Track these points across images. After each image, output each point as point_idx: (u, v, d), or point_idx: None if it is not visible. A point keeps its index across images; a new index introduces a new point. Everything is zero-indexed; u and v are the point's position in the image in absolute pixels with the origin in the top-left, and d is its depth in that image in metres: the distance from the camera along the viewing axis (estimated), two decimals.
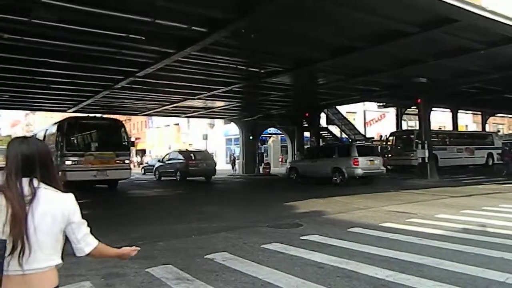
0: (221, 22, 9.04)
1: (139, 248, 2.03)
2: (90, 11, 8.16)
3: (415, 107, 21.12)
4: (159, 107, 23.76)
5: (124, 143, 16.76)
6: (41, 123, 52.99)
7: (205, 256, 5.41)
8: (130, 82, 15.38)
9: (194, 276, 4.57)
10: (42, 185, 1.74)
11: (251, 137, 28.38)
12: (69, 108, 22.79)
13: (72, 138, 15.89)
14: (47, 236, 1.69)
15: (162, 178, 22.64)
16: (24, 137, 1.89)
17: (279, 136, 34.69)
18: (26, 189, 1.69)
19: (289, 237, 6.58)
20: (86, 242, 1.81)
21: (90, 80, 15.55)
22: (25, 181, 1.71)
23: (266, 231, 7.19)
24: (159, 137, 47.08)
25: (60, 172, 13.33)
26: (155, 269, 4.82)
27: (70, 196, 1.81)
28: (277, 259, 5.29)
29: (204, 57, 12.10)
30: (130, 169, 16.79)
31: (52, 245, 1.72)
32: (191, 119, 34.98)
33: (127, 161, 16.25)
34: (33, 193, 1.68)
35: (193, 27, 9.43)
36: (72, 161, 14.71)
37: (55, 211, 1.71)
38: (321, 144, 25.10)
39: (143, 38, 9.99)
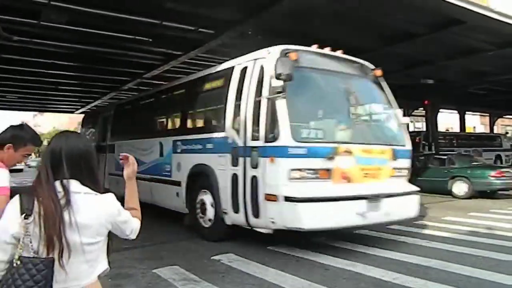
0: (229, 24, 9.08)
1: (126, 155, 1.99)
2: (97, 13, 8.24)
3: (422, 108, 21.00)
4: None
5: (397, 125, 6.71)
6: (49, 124, 53.40)
7: (212, 258, 5.43)
8: (137, 84, 15.48)
9: (200, 277, 4.59)
10: (83, 189, 1.62)
11: None
12: (77, 109, 22.97)
13: (298, 105, 5.83)
14: (91, 247, 1.60)
15: None
16: (61, 132, 1.79)
17: None
18: (60, 193, 1.56)
19: (295, 238, 6.58)
20: (134, 232, 1.82)
21: (97, 82, 15.66)
22: (58, 183, 1.58)
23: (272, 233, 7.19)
24: None
25: (266, 205, 5.38)
26: (162, 270, 4.85)
27: (111, 198, 1.70)
28: (283, 260, 5.29)
29: (211, 59, 12.13)
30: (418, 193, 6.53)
31: (96, 255, 1.65)
32: None
33: (405, 172, 6.45)
34: (68, 198, 1.56)
35: (200, 29, 9.48)
36: (302, 172, 5.33)
37: (99, 219, 1.62)
38: None
39: (150, 40, 10.06)
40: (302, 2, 8.09)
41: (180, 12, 8.42)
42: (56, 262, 1.50)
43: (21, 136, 2.36)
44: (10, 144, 2.32)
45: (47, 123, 55.40)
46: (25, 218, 1.51)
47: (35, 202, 1.54)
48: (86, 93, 18.28)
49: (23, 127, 2.43)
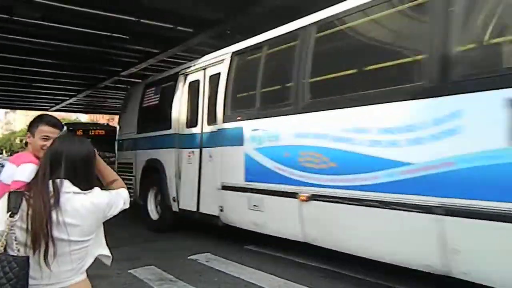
0: (208, 23, 9.04)
1: None
2: (73, 9, 8.06)
3: None
4: None
5: None
6: (21, 122, 52.04)
7: (189, 257, 5.42)
8: (113, 82, 15.24)
9: (177, 277, 4.58)
10: (73, 189, 1.65)
11: None
12: (51, 107, 22.46)
13: None
14: (80, 245, 1.65)
15: None
16: (66, 135, 1.86)
17: None
18: (51, 193, 1.60)
19: (272, 237, 6.61)
20: (126, 203, 1.90)
21: (73, 79, 15.35)
22: (50, 183, 1.63)
23: (249, 232, 7.21)
24: None
25: None
26: (138, 270, 4.81)
27: (98, 193, 1.73)
28: (260, 259, 5.33)
29: (189, 57, 12.08)
30: None
31: (85, 253, 1.71)
32: None
33: None
34: (57, 198, 1.59)
35: (178, 27, 9.41)
36: None
37: (89, 219, 1.65)
38: None
39: (128, 37, 9.94)
40: (284, 2, 8.11)
41: (158, 10, 8.34)
42: (42, 261, 1.53)
43: (33, 120, 2.45)
44: (28, 133, 2.42)
45: (19, 120, 54.00)
46: (10, 217, 1.54)
47: (24, 201, 1.56)
48: (61, 91, 17.88)
49: (42, 115, 2.53)
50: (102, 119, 34.71)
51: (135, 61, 12.39)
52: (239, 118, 5.45)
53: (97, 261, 1.89)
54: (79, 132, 14.84)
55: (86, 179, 1.72)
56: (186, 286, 4.30)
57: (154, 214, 7.59)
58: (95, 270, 1.89)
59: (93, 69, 13.77)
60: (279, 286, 4.29)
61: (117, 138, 9.82)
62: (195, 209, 6.28)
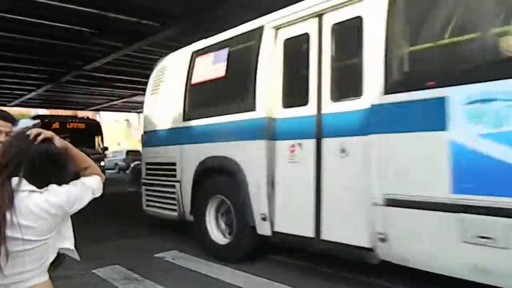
0: (174, 17, 8.92)
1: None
2: (33, 0, 7.76)
3: None
4: (107, 102, 23.11)
5: None
6: None
7: (155, 255, 5.34)
8: (75, 76, 14.81)
9: (143, 276, 4.50)
10: (29, 187, 1.55)
11: None
12: (10, 101, 21.59)
13: None
14: (36, 244, 1.56)
15: None
16: (23, 130, 1.71)
17: None
18: (6, 192, 1.51)
19: None
20: (97, 190, 1.79)
21: (32, 73, 14.79)
22: (7, 181, 1.54)
23: None
24: (108, 133, 45.50)
25: None
26: (101, 270, 4.70)
27: (54, 190, 1.60)
28: None
29: (155, 52, 11.87)
30: None
31: (45, 251, 1.62)
32: (142, 115, 34.08)
33: None
34: (11, 197, 1.50)
35: (144, 21, 9.23)
36: None
37: (45, 218, 1.55)
38: None
39: (91, 31, 9.67)
40: None
41: (123, 3, 8.15)
42: None
43: None
44: None
45: None
46: None
47: None
48: (19, 85, 17.21)
49: None
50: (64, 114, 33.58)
51: (98, 55, 12.08)
52: (431, 83, 3.29)
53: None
54: (55, 125, 13.53)
55: (46, 178, 1.62)
56: (153, 285, 4.23)
57: (218, 236, 5.35)
58: (58, 271, 1.82)
59: (53, 63, 13.32)
60: (253, 284, 4.23)
61: (143, 129, 7.41)
62: (311, 235, 4.14)
